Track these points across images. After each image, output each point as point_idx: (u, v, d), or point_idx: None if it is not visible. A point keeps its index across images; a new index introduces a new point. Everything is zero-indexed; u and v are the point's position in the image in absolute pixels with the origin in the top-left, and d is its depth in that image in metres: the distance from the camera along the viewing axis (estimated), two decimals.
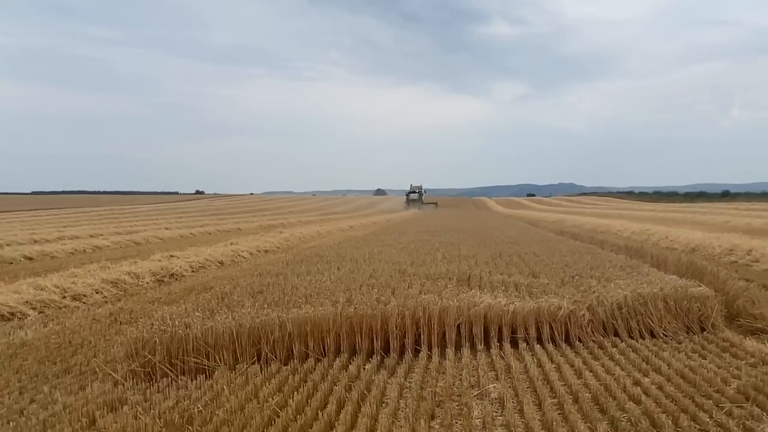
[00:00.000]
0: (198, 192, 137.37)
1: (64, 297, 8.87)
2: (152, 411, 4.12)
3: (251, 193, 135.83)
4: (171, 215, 41.73)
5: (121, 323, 7.34)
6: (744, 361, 5.24)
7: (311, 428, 3.90)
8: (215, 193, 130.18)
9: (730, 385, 4.55)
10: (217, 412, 4.05)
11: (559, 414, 4.11)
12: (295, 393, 4.50)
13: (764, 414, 4.03)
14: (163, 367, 5.22)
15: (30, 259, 14.90)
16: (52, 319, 7.73)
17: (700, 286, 7.07)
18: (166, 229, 26.22)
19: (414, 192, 75.00)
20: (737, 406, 4.15)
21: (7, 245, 17.16)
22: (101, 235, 21.93)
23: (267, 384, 4.76)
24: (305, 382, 4.86)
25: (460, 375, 5.00)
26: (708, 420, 3.91)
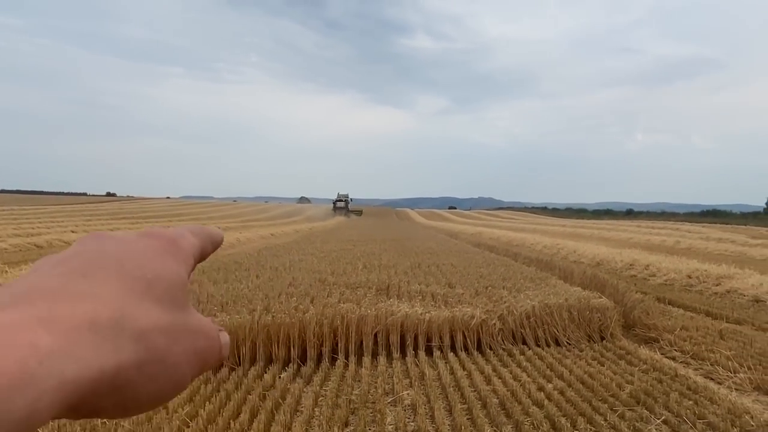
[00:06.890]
0: (109, 194, 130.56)
1: None
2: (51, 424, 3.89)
3: (168, 197, 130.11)
4: (78, 217, 39.19)
5: None
6: (637, 368, 5.66)
7: None
8: (128, 196, 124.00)
9: (624, 390, 4.90)
10: (122, 423, 3.88)
11: (468, 419, 4.27)
12: (207, 403, 4.39)
13: (652, 416, 4.38)
14: None
15: None
16: None
17: (601, 298, 7.56)
18: (72, 232, 24.61)
19: (341, 200, 76.44)
20: (629, 409, 4.49)
21: None
22: None
23: None
24: (218, 391, 4.75)
25: (376, 383, 5.07)
26: (602, 422, 4.20)
